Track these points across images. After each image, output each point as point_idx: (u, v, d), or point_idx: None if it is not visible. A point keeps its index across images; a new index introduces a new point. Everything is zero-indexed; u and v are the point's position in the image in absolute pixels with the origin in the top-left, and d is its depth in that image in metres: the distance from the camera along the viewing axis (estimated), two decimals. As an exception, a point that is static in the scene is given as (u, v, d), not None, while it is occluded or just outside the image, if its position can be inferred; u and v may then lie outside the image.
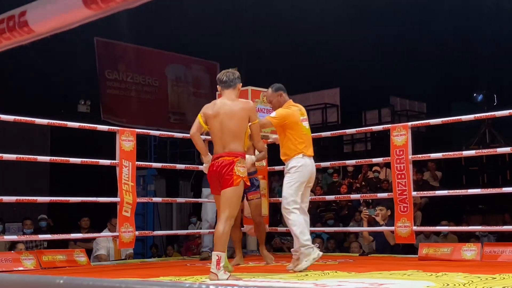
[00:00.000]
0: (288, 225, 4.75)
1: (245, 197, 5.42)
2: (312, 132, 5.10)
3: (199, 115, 4.28)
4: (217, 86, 4.37)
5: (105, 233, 7.18)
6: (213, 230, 6.68)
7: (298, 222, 4.65)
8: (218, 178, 4.09)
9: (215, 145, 4.19)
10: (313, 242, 8.76)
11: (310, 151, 4.87)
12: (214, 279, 3.93)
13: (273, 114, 4.83)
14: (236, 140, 4.11)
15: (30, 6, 1.11)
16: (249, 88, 6.97)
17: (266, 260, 5.56)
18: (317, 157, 5.73)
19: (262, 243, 5.65)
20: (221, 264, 3.94)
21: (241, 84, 4.32)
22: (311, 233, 8.72)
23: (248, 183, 4.23)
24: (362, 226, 6.84)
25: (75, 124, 5.84)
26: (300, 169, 4.73)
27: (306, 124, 4.92)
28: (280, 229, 8.54)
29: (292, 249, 4.89)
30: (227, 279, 3.92)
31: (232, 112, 4.13)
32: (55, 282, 1.06)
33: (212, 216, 6.69)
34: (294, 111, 4.88)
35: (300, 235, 4.61)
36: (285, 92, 4.97)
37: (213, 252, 4.04)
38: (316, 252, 4.63)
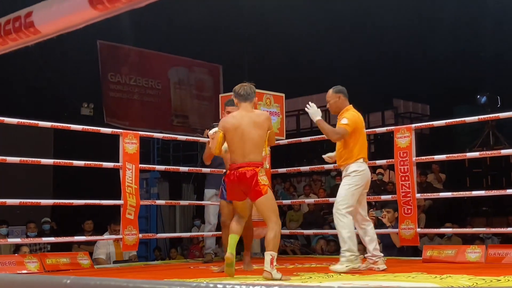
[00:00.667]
0: (337, 226, 4.70)
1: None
2: (315, 135, 5.13)
3: (219, 134, 4.44)
4: (233, 98, 4.62)
5: (106, 236, 7.18)
6: (216, 232, 6.70)
7: (349, 226, 4.64)
8: (241, 187, 4.36)
9: (233, 154, 4.40)
10: (317, 244, 8.78)
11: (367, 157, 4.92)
12: (269, 277, 4.10)
13: (345, 121, 4.79)
14: (257, 150, 4.37)
15: (36, 7, 1.11)
16: (252, 90, 6.97)
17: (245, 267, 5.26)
18: (320, 160, 5.73)
19: (248, 249, 5.42)
20: (275, 264, 4.15)
21: (256, 98, 4.62)
22: (316, 235, 8.73)
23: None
24: None
25: (79, 127, 5.85)
26: (361, 173, 4.75)
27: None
28: (284, 231, 8.53)
29: (366, 255, 4.89)
30: (280, 279, 4.08)
31: (254, 123, 4.38)
32: (62, 282, 1.06)
33: (214, 218, 6.68)
34: (360, 116, 4.94)
35: (349, 240, 4.60)
36: (345, 96, 4.98)
37: (266, 252, 4.21)
38: (358, 264, 4.64)
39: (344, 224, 4.62)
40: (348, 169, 4.76)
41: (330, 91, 5.02)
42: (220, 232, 6.73)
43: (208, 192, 6.63)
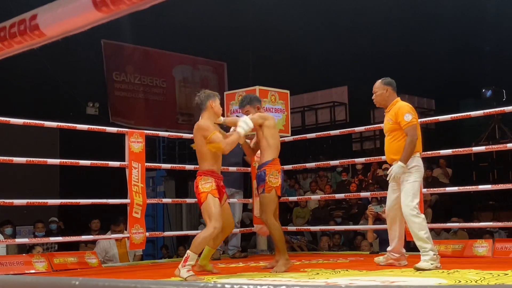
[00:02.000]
0: (412, 228, 4.53)
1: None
2: (320, 131, 5.09)
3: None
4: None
5: (114, 235, 7.20)
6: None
7: (424, 227, 4.50)
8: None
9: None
10: (321, 242, 8.77)
11: None
12: (177, 274, 4.22)
13: (409, 117, 4.58)
14: (200, 160, 4.70)
15: (41, 10, 1.12)
16: (257, 87, 6.98)
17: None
18: (326, 156, 5.73)
19: (277, 247, 5.00)
20: (188, 263, 4.23)
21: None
22: (322, 231, 8.73)
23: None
24: (368, 223, 6.81)
25: (84, 127, 5.87)
26: (421, 168, 4.63)
27: None
28: (290, 228, 8.54)
29: (388, 249, 4.83)
30: (185, 278, 4.13)
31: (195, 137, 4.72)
32: (71, 283, 1.06)
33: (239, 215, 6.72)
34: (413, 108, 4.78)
35: (429, 240, 4.47)
36: (394, 89, 4.81)
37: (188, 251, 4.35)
38: (439, 263, 4.43)
39: (419, 225, 4.47)
40: (409, 165, 4.55)
41: (378, 82, 4.84)
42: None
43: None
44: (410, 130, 4.55)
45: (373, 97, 4.87)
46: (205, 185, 4.51)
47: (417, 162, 4.60)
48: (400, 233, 4.80)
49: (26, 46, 1.17)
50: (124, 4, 0.95)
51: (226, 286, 1.01)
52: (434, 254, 4.43)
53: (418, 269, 4.31)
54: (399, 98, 4.82)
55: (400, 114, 4.62)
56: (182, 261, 4.21)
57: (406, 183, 4.55)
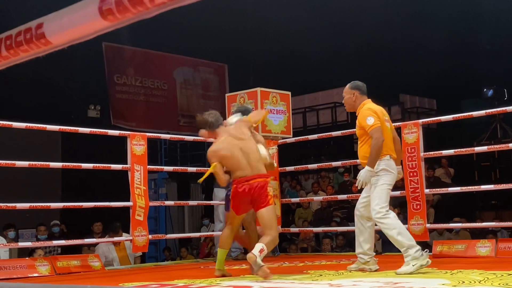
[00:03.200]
0: (384, 231, 4.40)
1: None
2: (322, 132, 5.05)
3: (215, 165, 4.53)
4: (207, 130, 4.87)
5: (117, 238, 7.19)
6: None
7: (393, 224, 4.33)
8: (251, 199, 4.47)
9: (238, 170, 4.50)
10: (323, 244, 8.77)
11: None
12: (253, 258, 4.12)
13: (371, 120, 4.48)
14: (261, 161, 4.59)
15: (47, 18, 1.12)
16: (258, 89, 6.99)
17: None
18: (328, 157, 5.72)
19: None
20: (263, 254, 4.19)
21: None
22: (323, 232, 8.72)
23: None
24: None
25: (86, 130, 5.88)
26: (389, 171, 4.49)
27: (388, 125, 4.69)
28: (293, 229, 8.55)
29: (357, 252, 4.67)
30: (261, 266, 4.10)
31: (240, 136, 4.62)
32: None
33: (224, 216, 6.70)
34: (381, 109, 4.66)
35: (401, 237, 4.27)
36: (362, 93, 4.67)
37: (258, 244, 4.28)
38: (426, 259, 4.21)
39: (388, 225, 4.32)
40: (377, 168, 4.46)
41: (347, 86, 4.75)
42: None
43: (218, 191, 6.65)
44: (374, 133, 4.43)
45: (343, 102, 4.85)
46: (271, 189, 4.55)
47: (385, 165, 4.47)
48: (370, 234, 4.66)
49: (32, 54, 1.18)
50: (130, 13, 0.96)
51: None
52: (416, 252, 4.20)
53: (401, 275, 4.12)
54: (368, 100, 4.68)
55: (362, 119, 4.54)
56: (258, 251, 4.18)
57: (374, 187, 4.47)
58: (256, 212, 4.57)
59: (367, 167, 4.46)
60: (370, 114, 4.50)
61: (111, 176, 7.24)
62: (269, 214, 4.44)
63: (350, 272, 4.57)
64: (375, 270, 4.50)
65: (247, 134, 4.63)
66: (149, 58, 14.66)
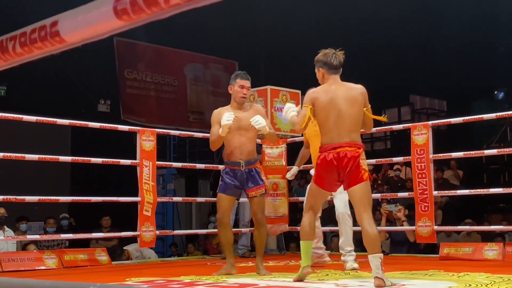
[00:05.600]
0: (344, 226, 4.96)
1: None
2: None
3: (307, 109, 3.84)
4: (319, 69, 4.09)
5: (124, 233, 7.22)
6: (234, 229, 6.72)
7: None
8: (339, 172, 3.71)
9: (327, 135, 3.78)
10: (332, 242, 8.78)
11: None
12: (382, 285, 3.51)
13: None
14: (357, 129, 3.80)
15: (62, 17, 1.13)
16: (268, 87, 6.99)
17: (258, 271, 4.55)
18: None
19: (260, 253, 4.61)
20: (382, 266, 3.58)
21: None
22: (332, 232, 8.71)
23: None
24: (381, 223, 6.80)
25: (96, 124, 5.90)
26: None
27: None
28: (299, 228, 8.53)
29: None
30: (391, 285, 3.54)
31: (352, 98, 3.82)
32: (88, 288, 1.07)
33: (233, 214, 6.71)
34: None
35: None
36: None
37: (370, 256, 3.61)
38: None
39: (350, 223, 4.92)
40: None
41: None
42: (239, 229, 6.80)
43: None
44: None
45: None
46: (365, 162, 3.75)
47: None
48: (320, 232, 5.23)
49: (46, 52, 1.19)
50: (145, 14, 0.96)
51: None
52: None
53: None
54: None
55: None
56: (379, 269, 3.55)
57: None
58: (347, 190, 3.83)
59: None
60: None
61: (120, 171, 7.27)
62: (364, 191, 3.70)
63: (357, 272, 4.58)
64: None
65: (357, 101, 3.84)
66: (160, 54, 14.69)
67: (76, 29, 1.11)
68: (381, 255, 3.60)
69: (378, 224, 7.40)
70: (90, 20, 1.07)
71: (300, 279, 3.81)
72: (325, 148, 3.75)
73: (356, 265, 4.80)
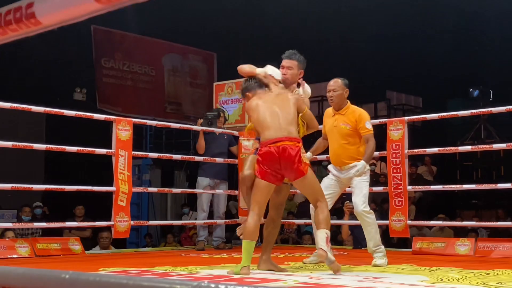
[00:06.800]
0: (364, 224, 4.69)
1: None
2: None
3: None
4: (247, 94, 4.22)
5: (98, 222, 7.17)
6: (208, 221, 6.72)
7: (375, 223, 4.72)
8: (280, 165, 3.87)
9: (267, 130, 3.95)
10: (304, 238, 8.79)
11: None
12: (324, 255, 3.78)
13: (370, 125, 4.77)
14: (294, 125, 4.03)
15: (38, -2, 1.11)
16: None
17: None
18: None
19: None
20: (329, 243, 3.87)
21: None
22: (307, 225, 8.76)
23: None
24: (343, 219, 6.82)
25: (72, 113, 5.83)
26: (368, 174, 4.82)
27: None
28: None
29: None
30: (333, 261, 3.83)
31: (280, 99, 4.11)
32: (61, 277, 1.06)
33: (207, 206, 6.71)
34: None
35: (377, 235, 4.69)
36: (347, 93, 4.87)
37: (319, 230, 3.89)
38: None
39: (372, 220, 4.66)
40: (366, 167, 4.69)
41: (339, 81, 4.77)
42: (214, 221, 6.79)
43: (202, 180, 6.65)
44: (372, 138, 4.71)
45: (330, 95, 4.79)
46: (306, 156, 4.02)
47: (368, 168, 4.80)
48: None
49: (21, 34, 1.16)
50: (125, -4, 0.95)
51: (220, 286, 1.01)
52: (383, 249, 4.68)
53: (377, 266, 4.48)
54: (348, 101, 4.85)
55: (361, 121, 4.72)
56: (324, 242, 3.80)
57: (362, 181, 4.70)
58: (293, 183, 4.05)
59: (364, 162, 4.65)
60: (369, 119, 4.80)
61: (95, 160, 7.21)
62: (311, 185, 4.00)
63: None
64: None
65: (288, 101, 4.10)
66: (138, 43, 14.56)
67: (53, 11, 1.08)
68: (328, 231, 3.90)
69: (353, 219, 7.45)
70: (67, 2, 1.05)
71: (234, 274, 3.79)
72: (265, 142, 3.92)
73: (379, 262, 4.51)
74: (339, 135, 4.77)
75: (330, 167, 4.88)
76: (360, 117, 4.73)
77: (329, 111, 4.95)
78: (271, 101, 4.09)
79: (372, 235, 4.63)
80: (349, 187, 4.92)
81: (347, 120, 4.73)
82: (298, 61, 4.36)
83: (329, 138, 4.89)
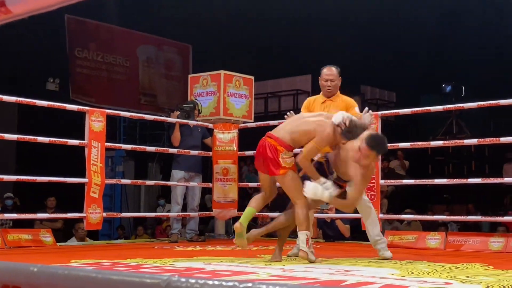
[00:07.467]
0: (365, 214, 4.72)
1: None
2: (283, 118, 5.02)
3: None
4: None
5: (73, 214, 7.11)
6: (182, 213, 6.70)
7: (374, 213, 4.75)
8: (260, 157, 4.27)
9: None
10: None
11: None
12: (305, 257, 4.07)
13: (358, 110, 4.76)
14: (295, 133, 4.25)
15: (8, -14, 1.09)
16: (222, 72, 6.98)
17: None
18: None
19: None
20: (310, 243, 4.12)
21: None
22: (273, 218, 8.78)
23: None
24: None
25: (44, 103, 5.76)
26: None
27: None
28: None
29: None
30: (314, 261, 4.07)
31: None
32: (29, 270, 1.05)
33: (181, 199, 6.69)
34: None
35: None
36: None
37: (300, 232, 4.14)
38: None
39: (372, 209, 4.74)
40: None
41: (335, 70, 4.85)
42: (187, 213, 6.78)
43: (177, 173, 6.63)
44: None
45: (328, 85, 4.82)
46: (287, 160, 4.14)
47: None
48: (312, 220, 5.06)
49: (-9, 22, 1.14)
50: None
51: (190, 280, 1.01)
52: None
53: (384, 258, 4.45)
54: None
55: (352, 107, 4.76)
56: (305, 243, 4.07)
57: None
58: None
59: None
60: (357, 106, 4.88)
61: (67, 152, 7.12)
62: (285, 185, 4.21)
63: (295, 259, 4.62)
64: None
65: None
66: (112, 34, 14.40)
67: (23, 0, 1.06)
68: (308, 232, 4.13)
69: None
70: (38, -10, 1.03)
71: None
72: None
73: (387, 254, 4.50)
74: None
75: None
76: (351, 103, 4.82)
77: (317, 98, 4.92)
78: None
79: (376, 222, 4.67)
80: None
81: (338, 107, 4.74)
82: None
83: None
